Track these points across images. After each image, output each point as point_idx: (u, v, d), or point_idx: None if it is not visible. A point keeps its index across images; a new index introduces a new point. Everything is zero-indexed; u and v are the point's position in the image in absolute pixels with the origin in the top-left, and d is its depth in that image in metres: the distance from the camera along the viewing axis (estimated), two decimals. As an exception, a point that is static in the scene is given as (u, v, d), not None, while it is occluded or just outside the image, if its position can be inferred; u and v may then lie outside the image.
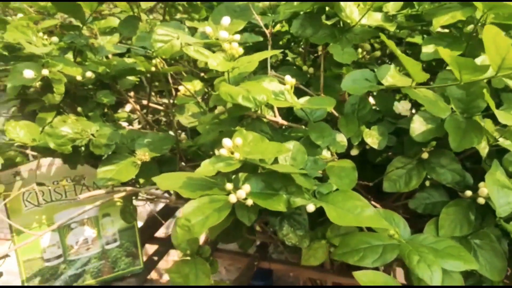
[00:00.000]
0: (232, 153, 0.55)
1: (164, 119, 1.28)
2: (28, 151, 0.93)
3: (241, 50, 0.58)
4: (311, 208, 0.56)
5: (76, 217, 1.07)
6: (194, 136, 0.97)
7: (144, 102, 1.18)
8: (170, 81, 1.30)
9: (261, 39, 0.71)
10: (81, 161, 0.88)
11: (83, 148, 0.86)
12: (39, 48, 0.77)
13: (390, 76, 0.61)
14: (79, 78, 0.86)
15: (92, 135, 0.83)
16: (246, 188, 0.52)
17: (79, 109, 0.94)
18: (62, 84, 0.82)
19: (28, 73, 0.77)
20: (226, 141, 0.54)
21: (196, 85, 1.08)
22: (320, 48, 0.86)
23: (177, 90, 1.16)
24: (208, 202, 0.55)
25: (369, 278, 0.52)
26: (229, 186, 0.54)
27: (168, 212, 1.51)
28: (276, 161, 0.59)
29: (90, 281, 1.04)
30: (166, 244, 1.32)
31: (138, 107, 1.13)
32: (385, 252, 0.56)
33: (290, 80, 0.60)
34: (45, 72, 0.79)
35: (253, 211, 0.57)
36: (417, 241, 0.58)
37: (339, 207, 0.55)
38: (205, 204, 0.55)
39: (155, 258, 1.20)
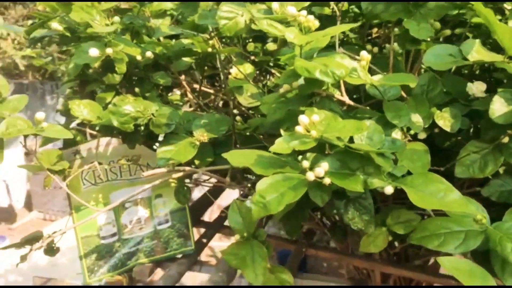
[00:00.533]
0: (308, 131, 0.52)
1: (214, 103, 1.27)
2: (87, 130, 0.94)
3: (317, 23, 0.56)
4: (389, 190, 0.53)
5: (130, 197, 1.08)
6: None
7: (194, 86, 1.17)
8: (219, 66, 1.28)
9: (327, 11, 0.68)
10: (139, 140, 0.88)
11: (142, 128, 0.86)
12: (104, 27, 0.77)
13: (476, 52, 0.56)
14: (139, 58, 0.86)
15: (152, 114, 0.82)
16: (324, 166, 0.50)
17: (136, 90, 0.94)
18: (124, 63, 0.82)
19: (93, 51, 0.77)
20: (302, 118, 0.51)
21: (247, 68, 1.07)
22: (375, 30, 0.83)
23: (228, 73, 1.15)
24: (282, 180, 0.53)
25: (452, 264, 0.48)
26: (305, 163, 0.52)
27: (209, 200, 1.51)
28: (351, 140, 0.56)
29: (143, 259, 1.05)
30: (213, 227, 1.32)
31: (189, 89, 1.12)
32: (467, 238, 0.53)
33: (366, 55, 0.57)
34: (109, 51, 0.79)
35: (327, 191, 0.54)
36: (503, 228, 0.54)
37: (420, 190, 0.52)
38: (278, 182, 0.53)
39: (204, 240, 1.20)
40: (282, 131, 0.65)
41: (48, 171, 0.79)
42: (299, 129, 0.52)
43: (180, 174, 0.84)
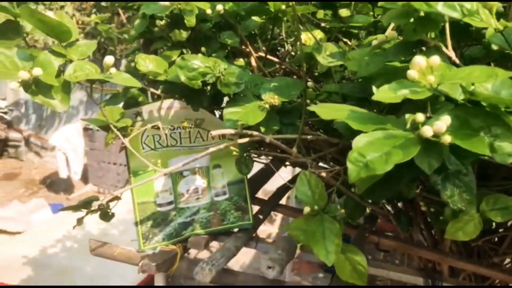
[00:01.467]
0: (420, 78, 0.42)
1: (278, 74, 1.18)
2: (150, 90, 0.89)
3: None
4: (521, 157, 0.42)
5: (188, 164, 1.02)
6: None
7: (259, 54, 1.08)
8: (283, 35, 1.19)
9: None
10: (204, 102, 0.81)
11: (208, 88, 0.78)
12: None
13: None
14: (208, 11, 0.78)
15: (221, 73, 0.74)
16: (446, 120, 0.40)
17: (202, 49, 0.86)
18: (193, 16, 0.74)
19: (163, 1, 0.70)
20: (418, 60, 0.41)
21: (317, 34, 0.97)
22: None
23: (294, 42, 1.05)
24: (384, 138, 0.43)
25: None
26: (420, 117, 0.42)
27: (263, 177, 1.42)
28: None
29: (199, 230, 0.99)
30: (268, 205, 1.24)
31: (255, 56, 1.04)
32: None
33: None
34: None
35: (436, 155, 0.44)
36: None
37: None
38: (379, 140, 0.43)
39: (260, 216, 1.13)
40: (374, 90, 0.55)
41: (111, 127, 0.73)
42: (412, 73, 0.42)
43: (246, 140, 0.76)
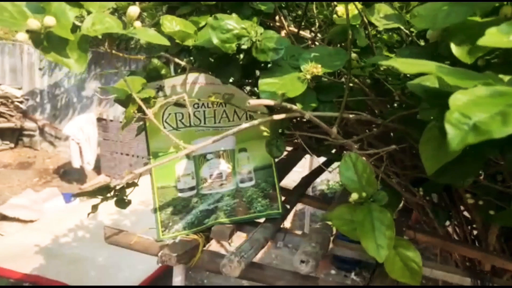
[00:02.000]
0: None
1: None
2: (174, 60, 0.79)
3: None
4: None
5: (212, 147, 0.93)
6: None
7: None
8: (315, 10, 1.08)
9: None
10: (236, 73, 0.71)
11: (241, 56, 0.68)
12: None
13: None
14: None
15: (258, 37, 0.64)
16: None
17: (233, 15, 0.76)
18: (226, -28, 0.64)
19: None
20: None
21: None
22: None
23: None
24: (489, 95, 0.33)
25: None
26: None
27: (287, 165, 1.33)
28: None
29: (223, 219, 0.90)
30: (293, 195, 1.15)
31: (287, 28, 0.93)
32: None
33: None
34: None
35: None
36: None
37: None
38: (485, 98, 0.33)
39: (287, 206, 1.03)
40: (454, 47, 0.45)
41: (133, 98, 0.64)
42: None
43: (282, 116, 0.66)
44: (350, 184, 0.64)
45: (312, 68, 0.65)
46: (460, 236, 1.18)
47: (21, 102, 5.07)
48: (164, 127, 0.88)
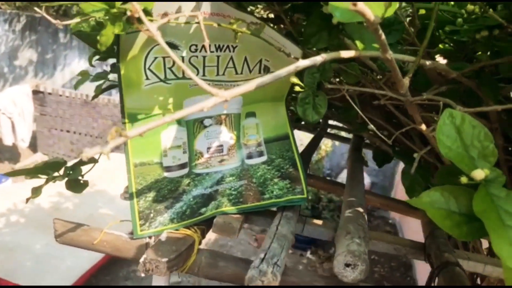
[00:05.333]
0: None
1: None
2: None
3: None
4: None
5: (212, 110, 0.66)
6: None
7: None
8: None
9: None
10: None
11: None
12: None
13: None
14: None
15: None
16: None
17: None
18: None
19: None
20: None
21: None
22: None
23: None
24: None
25: None
26: None
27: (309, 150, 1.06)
28: None
29: (228, 207, 0.63)
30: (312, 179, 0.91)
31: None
32: None
33: None
34: None
35: None
36: None
37: None
38: None
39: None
40: None
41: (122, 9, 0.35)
42: None
43: (332, 55, 0.41)
44: (455, 157, 0.42)
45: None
46: None
47: None
48: (147, 78, 0.59)
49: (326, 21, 0.55)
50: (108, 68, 0.85)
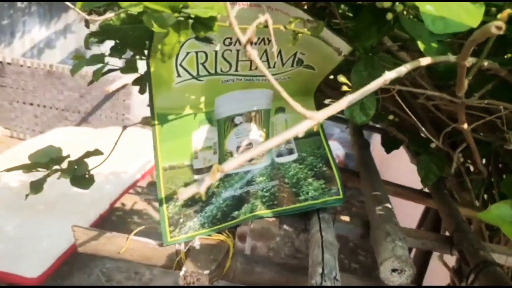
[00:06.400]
0: None
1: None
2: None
3: None
4: None
5: (243, 106, 0.61)
6: None
7: None
8: None
9: None
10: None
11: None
12: None
13: None
14: None
15: None
16: None
17: None
18: None
19: None
20: None
21: None
22: None
23: None
24: None
25: None
26: None
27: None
28: None
29: (263, 211, 0.60)
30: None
31: None
32: None
33: None
34: None
35: None
36: None
37: None
38: None
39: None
40: None
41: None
42: None
43: None
44: None
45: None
46: None
47: None
48: (178, 75, 0.53)
49: (378, 16, 0.51)
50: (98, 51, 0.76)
